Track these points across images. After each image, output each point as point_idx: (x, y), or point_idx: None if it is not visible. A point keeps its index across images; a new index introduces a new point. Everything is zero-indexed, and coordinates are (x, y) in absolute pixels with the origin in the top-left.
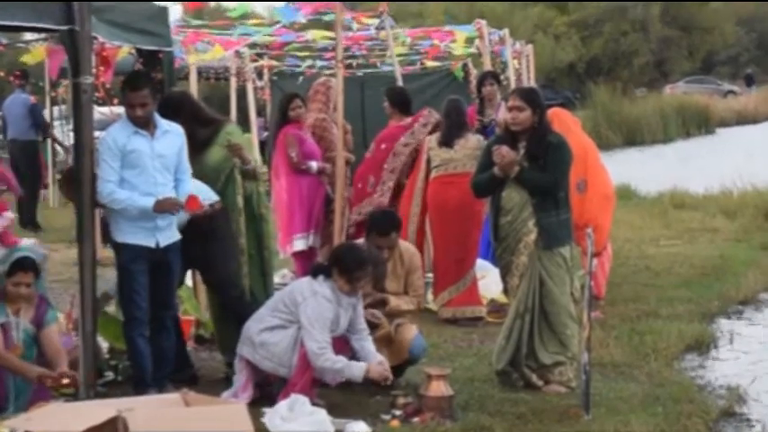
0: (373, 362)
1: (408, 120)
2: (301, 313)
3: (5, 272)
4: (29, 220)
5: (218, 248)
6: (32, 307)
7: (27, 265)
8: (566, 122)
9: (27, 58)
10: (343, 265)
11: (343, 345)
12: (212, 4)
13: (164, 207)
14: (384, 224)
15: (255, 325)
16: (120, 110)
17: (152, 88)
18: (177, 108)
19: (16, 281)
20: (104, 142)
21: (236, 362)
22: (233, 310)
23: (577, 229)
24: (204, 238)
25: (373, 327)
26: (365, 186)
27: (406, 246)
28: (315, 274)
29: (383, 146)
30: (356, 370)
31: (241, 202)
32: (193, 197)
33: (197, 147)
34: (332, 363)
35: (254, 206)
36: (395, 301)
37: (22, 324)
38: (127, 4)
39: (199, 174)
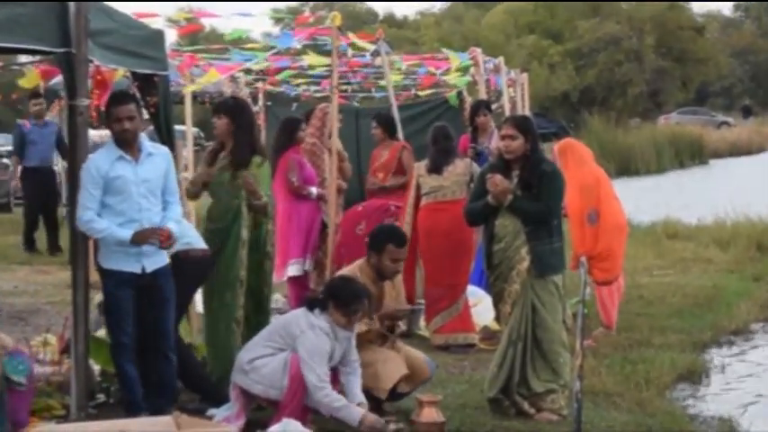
0: (355, 402)
1: (391, 151)
2: (299, 346)
3: None
4: (53, 245)
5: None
6: None
7: None
8: (579, 153)
9: (24, 82)
10: (340, 298)
11: (331, 377)
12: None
13: (142, 239)
14: (399, 234)
15: (247, 354)
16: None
17: (138, 106)
18: (244, 108)
19: None
20: (86, 169)
21: (230, 390)
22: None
23: (591, 260)
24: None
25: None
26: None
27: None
28: (310, 307)
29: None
30: (353, 414)
31: (246, 234)
32: (167, 232)
33: (252, 151)
34: (330, 400)
35: (262, 243)
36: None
37: None
38: (123, 27)
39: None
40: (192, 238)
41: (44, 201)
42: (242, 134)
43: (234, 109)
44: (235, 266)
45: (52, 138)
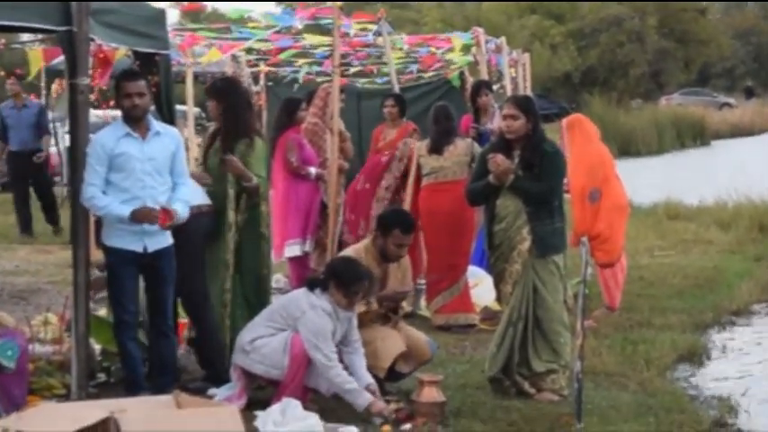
0: (364, 385)
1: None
2: (302, 327)
3: None
4: (53, 221)
5: (187, 255)
6: None
7: None
8: (587, 130)
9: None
10: (341, 279)
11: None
12: (209, 7)
13: (140, 217)
14: (407, 221)
15: (248, 334)
16: (116, 113)
17: (147, 83)
18: (232, 89)
19: None
20: (92, 146)
21: (231, 371)
22: (198, 319)
23: (592, 241)
24: (179, 244)
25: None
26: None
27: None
28: (311, 287)
29: (367, 185)
30: (361, 399)
31: (232, 217)
32: (165, 210)
33: (241, 133)
34: (342, 381)
35: (257, 224)
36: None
37: None
38: (125, 6)
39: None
40: (197, 195)
41: (32, 184)
42: (229, 116)
43: (220, 91)
44: (220, 249)
45: (32, 120)
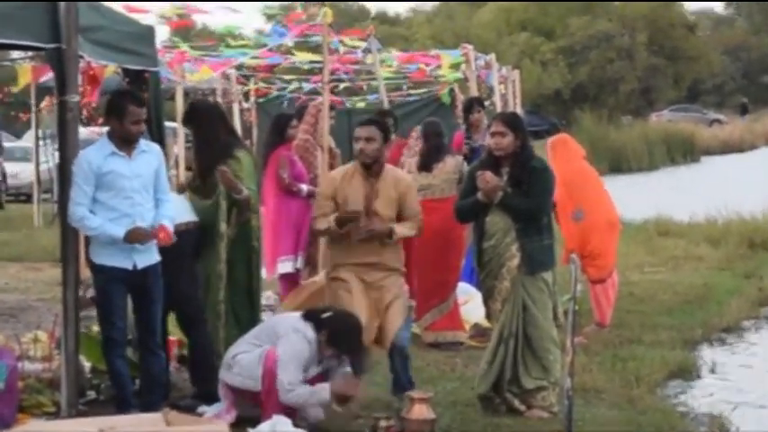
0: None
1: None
2: (280, 345)
3: None
4: None
5: (181, 272)
6: None
7: None
8: (569, 149)
9: (15, 87)
10: (337, 339)
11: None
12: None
13: (134, 238)
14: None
15: (232, 350)
16: (102, 130)
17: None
18: (207, 113)
19: None
20: (78, 164)
21: (219, 388)
22: (192, 336)
23: (583, 258)
24: (169, 262)
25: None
26: None
27: (399, 171)
28: (306, 318)
29: None
30: (322, 393)
31: (224, 227)
32: (163, 228)
33: (217, 155)
34: (297, 397)
35: (248, 238)
36: (399, 229)
37: None
38: (113, 23)
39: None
40: (184, 212)
41: None
42: (202, 137)
43: (188, 116)
44: (213, 261)
45: None
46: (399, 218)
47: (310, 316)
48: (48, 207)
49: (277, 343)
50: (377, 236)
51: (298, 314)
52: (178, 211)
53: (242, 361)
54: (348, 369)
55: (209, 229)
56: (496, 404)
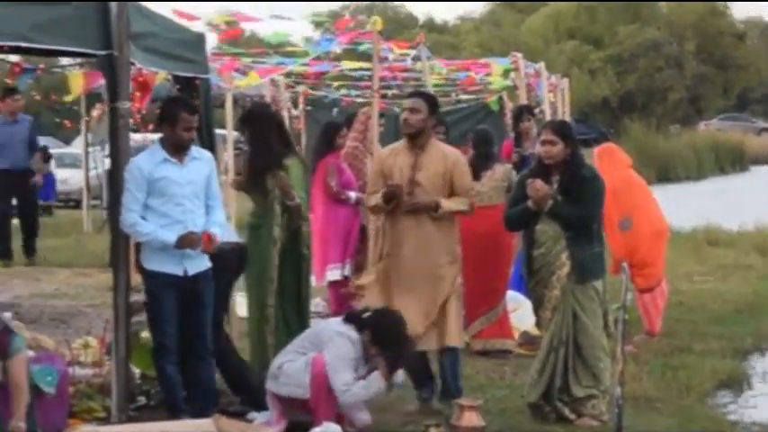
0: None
1: None
2: (326, 350)
3: None
4: (29, 249)
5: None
6: None
7: None
8: (616, 158)
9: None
10: (380, 336)
11: None
12: (248, 31)
13: (186, 243)
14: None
15: (278, 360)
16: (154, 137)
17: None
18: (263, 119)
19: None
20: (130, 171)
21: (267, 398)
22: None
23: (632, 267)
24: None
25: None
26: None
27: (449, 147)
28: (347, 320)
29: None
30: (374, 382)
31: (277, 233)
32: (208, 235)
33: (267, 163)
34: (354, 396)
35: (298, 244)
36: (446, 203)
37: None
38: (165, 30)
39: (253, 195)
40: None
41: (19, 205)
42: (258, 141)
43: (245, 118)
44: (264, 265)
45: (24, 135)
46: (451, 195)
47: (351, 318)
48: (97, 213)
49: (322, 349)
50: (422, 208)
51: (339, 318)
52: (224, 232)
53: (288, 370)
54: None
55: (259, 232)
56: (546, 412)
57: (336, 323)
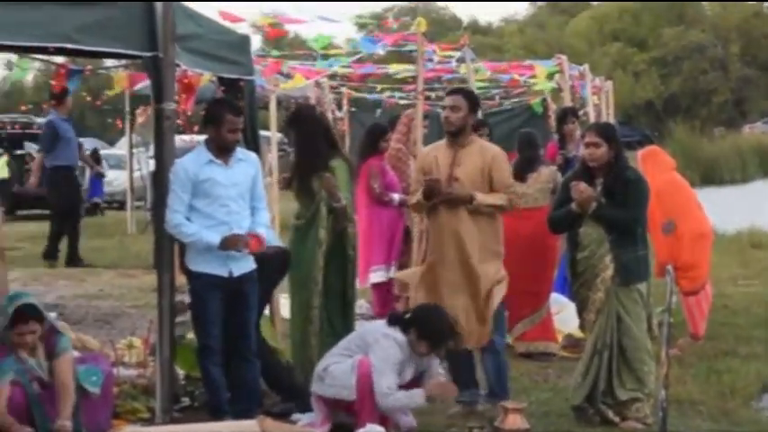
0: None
1: None
2: (372, 353)
3: (8, 323)
4: (71, 257)
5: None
6: (42, 340)
7: (29, 316)
8: (660, 161)
9: (111, 91)
10: (427, 331)
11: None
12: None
13: (230, 244)
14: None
15: (323, 363)
16: (200, 138)
17: None
18: (309, 121)
19: (20, 332)
20: (175, 172)
21: (312, 399)
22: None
23: (676, 270)
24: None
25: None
26: None
27: (490, 144)
28: (391, 322)
29: None
30: (417, 398)
31: (323, 235)
32: (256, 237)
33: (312, 165)
34: (395, 401)
35: (344, 246)
36: (481, 196)
37: (42, 363)
38: (209, 32)
39: (299, 196)
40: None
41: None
42: (304, 142)
43: (292, 119)
44: (309, 266)
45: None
46: (492, 192)
47: (394, 320)
48: (141, 214)
49: (368, 351)
50: (457, 200)
51: (382, 321)
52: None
53: (334, 372)
54: (441, 371)
55: (305, 234)
56: (590, 415)
57: (382, 325)
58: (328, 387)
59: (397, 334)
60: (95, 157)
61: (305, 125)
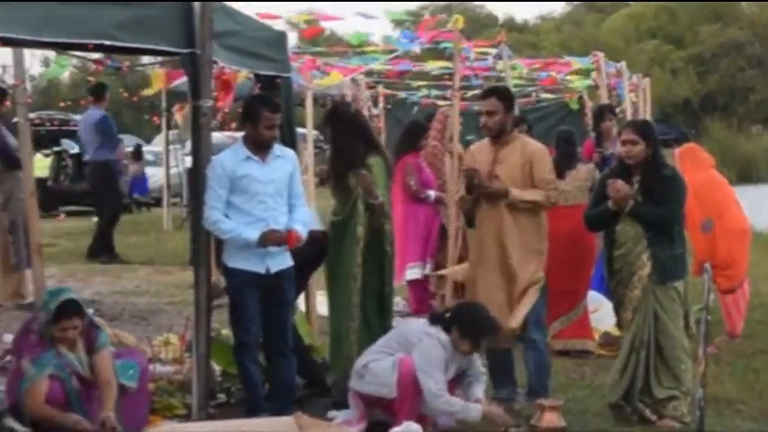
0: (472, 400)
1: None
2: (416, 353)
3: (51, 318)
4: (102, 249)
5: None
6: (82, 336)
7: (72, 312)
8: (698, 159)
9: (149, 90)
10: (468, 329)
11: (451, 387)
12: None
13: (268, 240)
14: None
15: (363, 359)
16: (237, 135)
17: None
18: (345, 118)
19: (63, 327)
20: (213, 168)
21: (349, 396)
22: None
23: (714, 267)
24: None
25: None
26: None
27: (531, 140)
28: (432, 321)
29: None
30: (473, 411)
31: (360, 231)
32: (292, 233)
33: (348, 162)
34: (449, 405)
35: (381, 243)
36: (517, 192)
37: (82, 357)
38: (246, 29)
39: (335, 192)
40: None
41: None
42: (341, 139)
43: (329, 116)
44: (348, 263)
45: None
46: (533, 187)
47: (436, 319)
48: (176, 211)
49: (410, 350)
50: (493, 195)
51: (424, 320)
52: (309, 220)
53: (375, 369)
54: (483, 369)
55: (342, 231)
56: (627, 413)
57: (424, 324)
58: (368, 384)
59: (440, 333)
60: (138, 153)
61: (341, 122)
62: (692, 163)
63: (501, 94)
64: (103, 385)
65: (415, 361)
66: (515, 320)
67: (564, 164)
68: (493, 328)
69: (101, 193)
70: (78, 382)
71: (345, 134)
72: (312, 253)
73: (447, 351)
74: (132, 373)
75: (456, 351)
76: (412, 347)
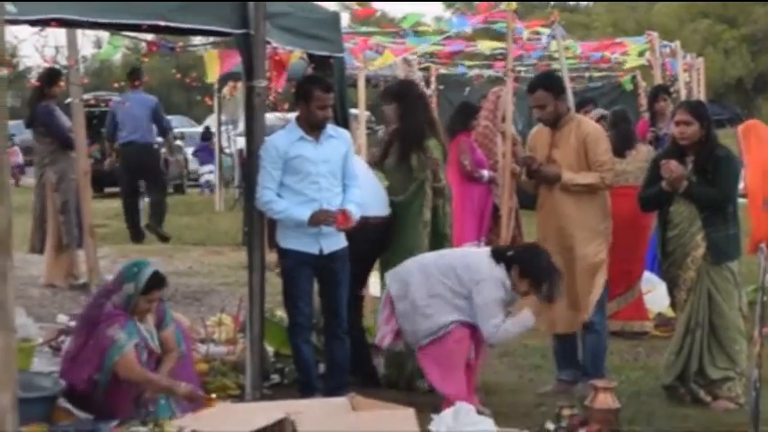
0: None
1: None
2: (477, 294)
3: (141, 289)
4: (135, 233)
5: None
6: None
7: (163, 282)
8: (763, 135)
9: (208, 76)
10: (529, 270)
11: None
12: (378, 12)
13: (319, 220)
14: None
15: (423, 289)
16: (289, 116)
17: None
18: (409, 92)
19: (150, 298)
20: (266, 149)
21: (382, 298)
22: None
23: None
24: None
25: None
26: None
27: (588, 122)
28: (496, 258)
29: None
30: (527, 321)
31: (428, 215)
32: (343, 212)
33: (411, 142)
34: (506, 333)
35: (440, 224)
36: (569, 176)
37: (152, 331)
38: (300, 9)
39: (394, 172)
40: (374, 205)
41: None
42: (410, 118)
43: (399, 93)
44: (412, 245)
45: (142, 110)
46: (589, 169)
47: (498, 255)
48: (228, 192)
49: (472, 290)
50: (545, 178)
51: (487, 254)
52: (374, 201)
53: (434, 316)
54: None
55: (406, 212)
56: (681, 394)
57: (488, 262)
58: (419, 320)
59: (503, 276)
60: (207, 133)
61: (410, 101)
62: (758, 139)
63: (546, 84)
64: (167, 357)
65: (476, 301)
66: (586, 312)
67: (623, 143)
68: (553, 274)
69: (149, 174)
70: (147, 356)
71: (413, 114)
72: (367, 238)
73: (507, 292)
74: (176, 336)
75: (513, 291)
76: (475, 286)
